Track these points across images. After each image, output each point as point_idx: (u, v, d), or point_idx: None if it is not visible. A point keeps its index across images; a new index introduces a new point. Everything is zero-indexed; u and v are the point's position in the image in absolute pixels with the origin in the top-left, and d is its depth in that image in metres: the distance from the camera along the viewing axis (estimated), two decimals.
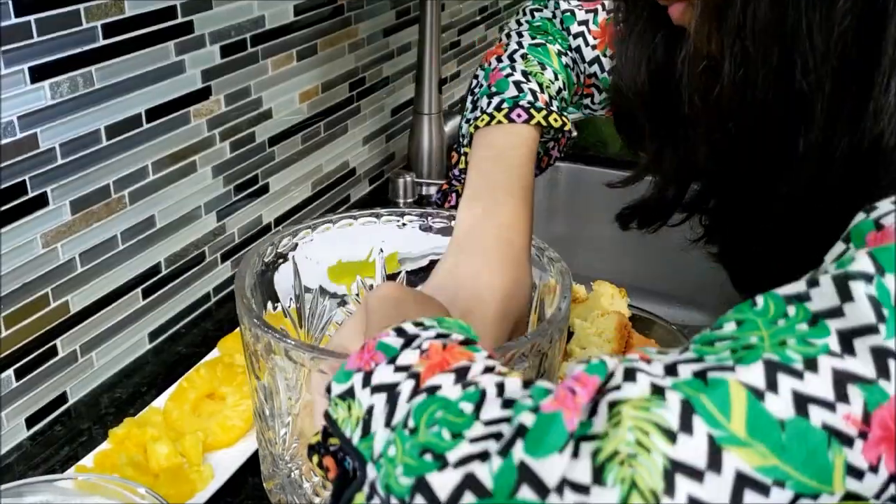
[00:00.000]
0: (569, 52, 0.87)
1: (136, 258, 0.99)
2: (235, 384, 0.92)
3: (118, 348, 0.99)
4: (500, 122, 0.76)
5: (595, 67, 0.89)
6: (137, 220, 0.98)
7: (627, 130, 0.78)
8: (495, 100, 0.78)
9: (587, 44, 0.88)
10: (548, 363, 0.63)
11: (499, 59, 0.84)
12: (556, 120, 0.77)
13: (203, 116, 1.04)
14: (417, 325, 0.49)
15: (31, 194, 0.84)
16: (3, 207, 0.81)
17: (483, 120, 0.76)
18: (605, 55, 0.88)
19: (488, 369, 0.46)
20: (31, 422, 0.89)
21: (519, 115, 0.76)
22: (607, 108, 0.91)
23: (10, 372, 0.85)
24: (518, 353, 0.59)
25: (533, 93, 0.79)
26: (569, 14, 0.88)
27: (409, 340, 0.48)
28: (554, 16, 0.89)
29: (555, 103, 0.80)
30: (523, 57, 0.83)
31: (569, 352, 0.91)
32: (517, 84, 0.79)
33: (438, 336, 0.48)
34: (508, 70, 0.82)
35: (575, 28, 0.88)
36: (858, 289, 0.40)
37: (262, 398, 0.63)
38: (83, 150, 0.88)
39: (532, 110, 0.76)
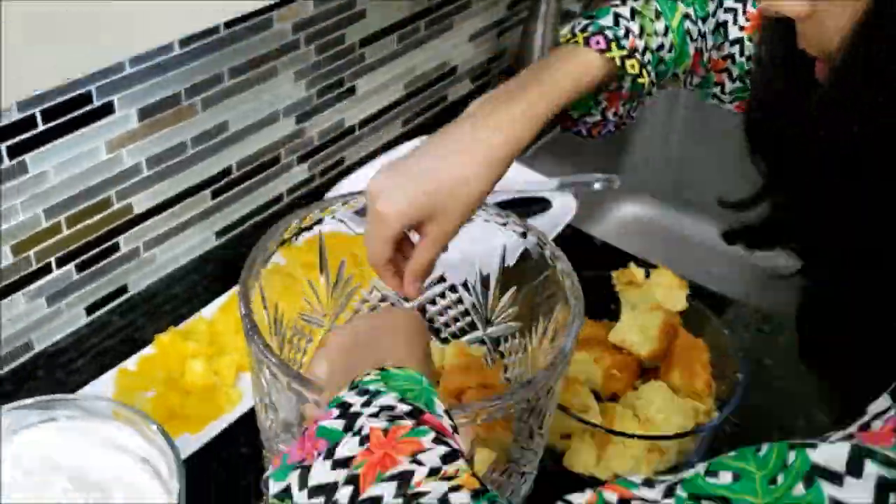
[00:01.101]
0: (699, 23, 0.79)
1: (206, 162, 1.00)
2: (289, 300, 0.93)
3: (182, 244, 1.02)
4: (576, 42, 0.74)
5: (735, 49, 0.80)
6: (209, 126, 0.98)
7: (757, 132, 0.70)
8: (586, 21, 0.75)
9: (735, 22, 0.80)
10: (538, 420, 0.61)
11: None
12: (633, 66, 0.74)
13: (288, 20, 1.00)
14: (363, 392, 0.48)
15: (96, 104, 0.85)
16: (67, 117, 0.83)
17: (565, 37, 0.75)
18: (750, 40, 0.80)
19: (433, 472, 0.44)
20: (90, 310, 0.95)
21: (597, 43, 0.73)
22: (737, 101, 0.83)
23: (70, 266, 0.90)
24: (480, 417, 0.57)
25: (627, 31, 0.74)
26: None
27: (350, 421, 0.47)
28: None
29: (647, 56, 0.75)
30: None
31: (609, 341, 0.88)
32: (616, 16, 0.75)
33: (382, 411, 0.47)
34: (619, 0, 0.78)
35: (730, 2, 0.80)
36: (872, 470, 0.37)
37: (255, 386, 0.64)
38: (151, 59, 0.88)
39: (613, 44, 0.73)
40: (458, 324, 0.83)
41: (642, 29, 0.75)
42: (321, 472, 0.45)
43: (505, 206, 0.83)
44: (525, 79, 0.72)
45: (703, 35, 0.79)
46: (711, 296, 1.02)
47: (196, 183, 1.00)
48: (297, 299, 0.76)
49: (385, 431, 0.45)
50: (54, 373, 0.90)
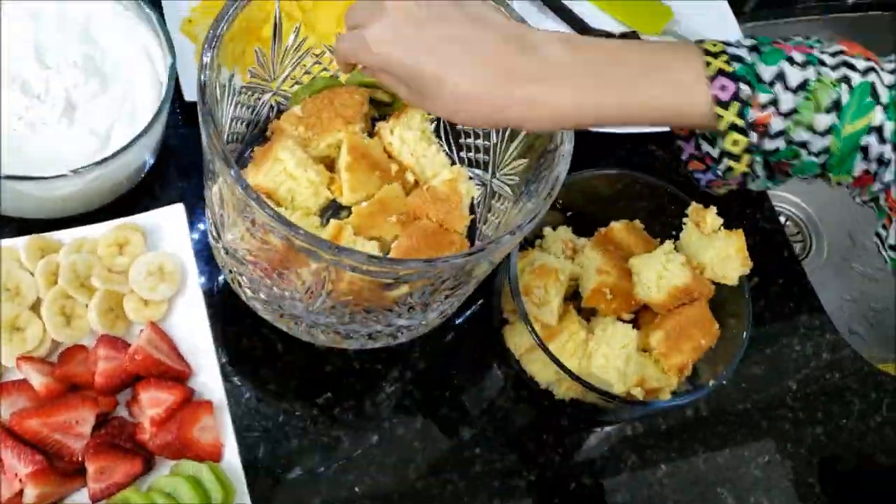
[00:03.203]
0: (890, 148, 0.54)
1: None
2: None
3: None
4: (707, 62, 0.53)
5: None
6: None
7: None
8: (741, 50, 0.54)
9: None
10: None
11: (833, 53, 0.54)
12: (734, 144, 0.54)
13: None
14: None
15: None
16: None
17: (710, 45, 0.55)
18: None
19: None
20: None
21: (721, 88, 0.52)
22: None
23: None
24: None
25: (773, 101, 0.53)
26: None
27: None
28: None
29: (775, 143, 0.54)
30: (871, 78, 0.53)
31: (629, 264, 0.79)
32: (780, 75, 0.53)
33: None
34: (803, 56, 0.54)
35: None
36: None
37: None
38: None
39: (736, 104, 0.53)
40: None
41: (795, 111, 0.53)
42: None
43: None
44: (633, 67, 0.54)
45: (884, 163, 0.54)
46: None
47: None
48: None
49: None
50: None
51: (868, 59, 0.53)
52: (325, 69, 0.71)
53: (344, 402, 0.76)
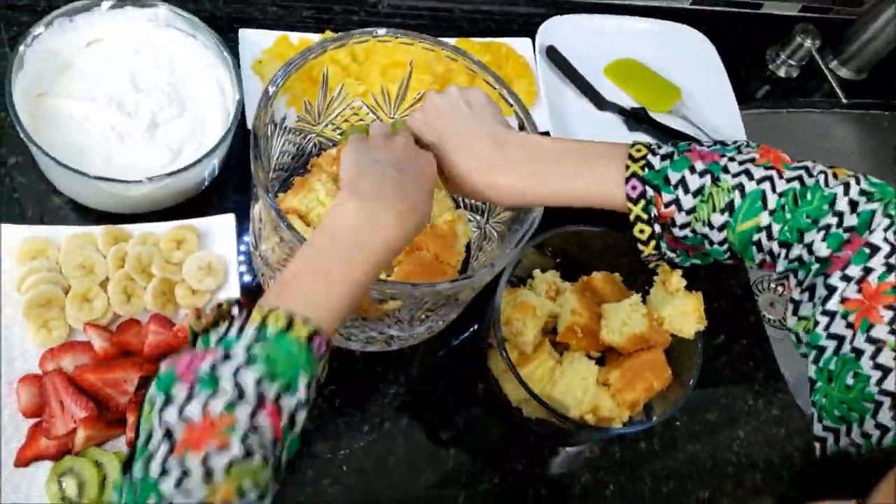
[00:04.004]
0: (775, 245, 0.65)
1: None
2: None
3: None
4: (627, 165, 0.67)
5: (823, 318, 0.62)
6: None
7: None
8: (656, 157, 0.67)
9: (835, 291, 0.61)
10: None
11: (732, 156, 0.66)
12: (641, 232, 0.68)
13: None
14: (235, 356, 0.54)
15: None
16: None
17: (636, 151, 0.68)
18: (844, 317, 0.60)
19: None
20: None
21: (633, 188, 0.67)
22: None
23: None
24: None
25: (675, 201, 0.66)
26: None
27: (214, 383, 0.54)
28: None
29: (681, 232, 0.67)
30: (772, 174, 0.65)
31: (602, 308, 0.92)
32: (681, 181, 0.66)
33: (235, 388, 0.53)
34: (705, 165, 0.65)
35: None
36: None
37: None
38: None
39: (642, 201, 0.66)
40: None
41: (694, 210, 0.66)
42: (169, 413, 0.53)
43: None
44: (567, 167, 0.69)
45: (775, 256, 0.66)
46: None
47: None
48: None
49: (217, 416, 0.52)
50: None
51: (770, 168, 0.65)
52: (360, 119, 0.86)
53: (345, 394, 0.90)
